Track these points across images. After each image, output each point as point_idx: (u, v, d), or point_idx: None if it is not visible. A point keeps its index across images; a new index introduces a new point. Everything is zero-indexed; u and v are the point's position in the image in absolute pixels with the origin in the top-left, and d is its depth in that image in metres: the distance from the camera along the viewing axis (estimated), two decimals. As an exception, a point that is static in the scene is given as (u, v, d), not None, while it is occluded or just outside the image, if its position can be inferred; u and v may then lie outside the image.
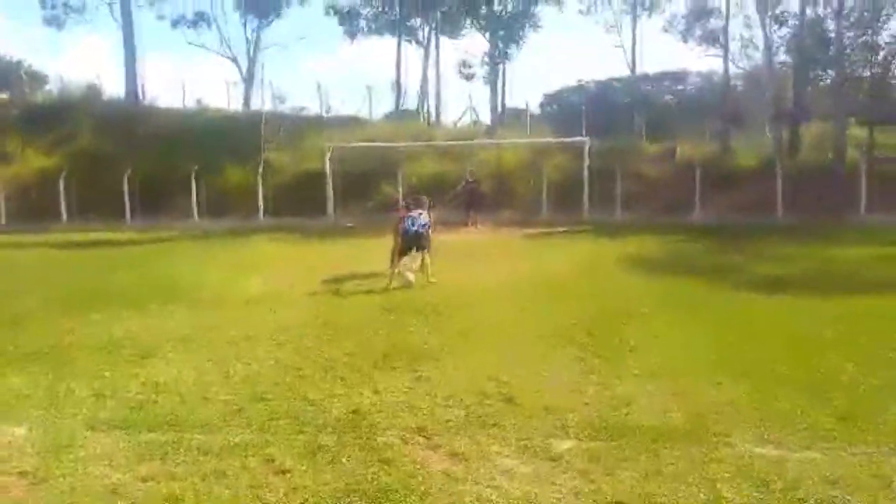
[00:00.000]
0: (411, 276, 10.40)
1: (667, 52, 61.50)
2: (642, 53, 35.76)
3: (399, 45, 37.87)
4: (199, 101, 36.24)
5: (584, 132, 25.66)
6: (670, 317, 8.27)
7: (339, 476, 4.01)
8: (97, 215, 23.99)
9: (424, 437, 4.61)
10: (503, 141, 28.24)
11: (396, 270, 10.40)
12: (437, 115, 37.02)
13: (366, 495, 3.78)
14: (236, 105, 36.07)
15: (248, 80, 38.96)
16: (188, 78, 61.59)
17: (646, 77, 37.05)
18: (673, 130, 29.63)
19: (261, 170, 25.09)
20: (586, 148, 23.16)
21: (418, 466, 4.15)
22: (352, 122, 31.86)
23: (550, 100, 46.22)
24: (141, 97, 35.83)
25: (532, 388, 5.53)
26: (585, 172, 22.89)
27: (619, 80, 37.75)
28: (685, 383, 5.66)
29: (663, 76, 38.33)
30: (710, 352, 6.60)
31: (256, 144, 27.21)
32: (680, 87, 37.96)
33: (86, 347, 6.95)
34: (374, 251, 14.42)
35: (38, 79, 44.04)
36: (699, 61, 60.99)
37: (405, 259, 10.62)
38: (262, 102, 33.53)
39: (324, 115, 32.84)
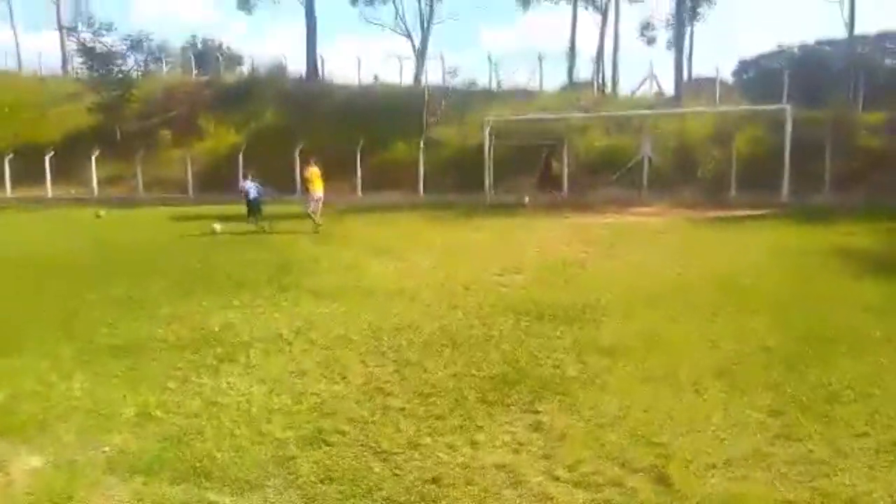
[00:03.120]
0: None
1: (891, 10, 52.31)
2: (859, 12, 29.99)
3: (575, 10, 35.49)
4: (376, 78, 36.48)
5: (785, 101, 21.95)
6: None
7: None
8: (272, 189, 24.68)
9: (524, 540, 3.09)
10: (681, 110, 25.08)
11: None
12: (614, 84, 34.28)
13: None
14: (408, 80, 35.83)
15: (421, 54, 38.61)
16: (367, 55, 63.14)
17: (862, 38, 31.50)
18: (897, 98, 24.61)
19: (422, 145, 24.43)
20: (789, 116, 19.60)
21: None
22: (521, 95, 30.33)
23: (746, 66, 41.35)
24: (321, 75, 36.78)
25: (701, 462, 3.76)
26: (787, 145, 19.40)
27: (828, 42, 32.56)
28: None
29: (884, 37, 32.48)
30: None
31: (422, 119, 26.64)
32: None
33: (174, 343, 6.19)
34: (530, 235, 12.91)
35: (233, 60, 47.32)
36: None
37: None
38: (427, 78, 32.79)
39: (493, 88, 31.58)
